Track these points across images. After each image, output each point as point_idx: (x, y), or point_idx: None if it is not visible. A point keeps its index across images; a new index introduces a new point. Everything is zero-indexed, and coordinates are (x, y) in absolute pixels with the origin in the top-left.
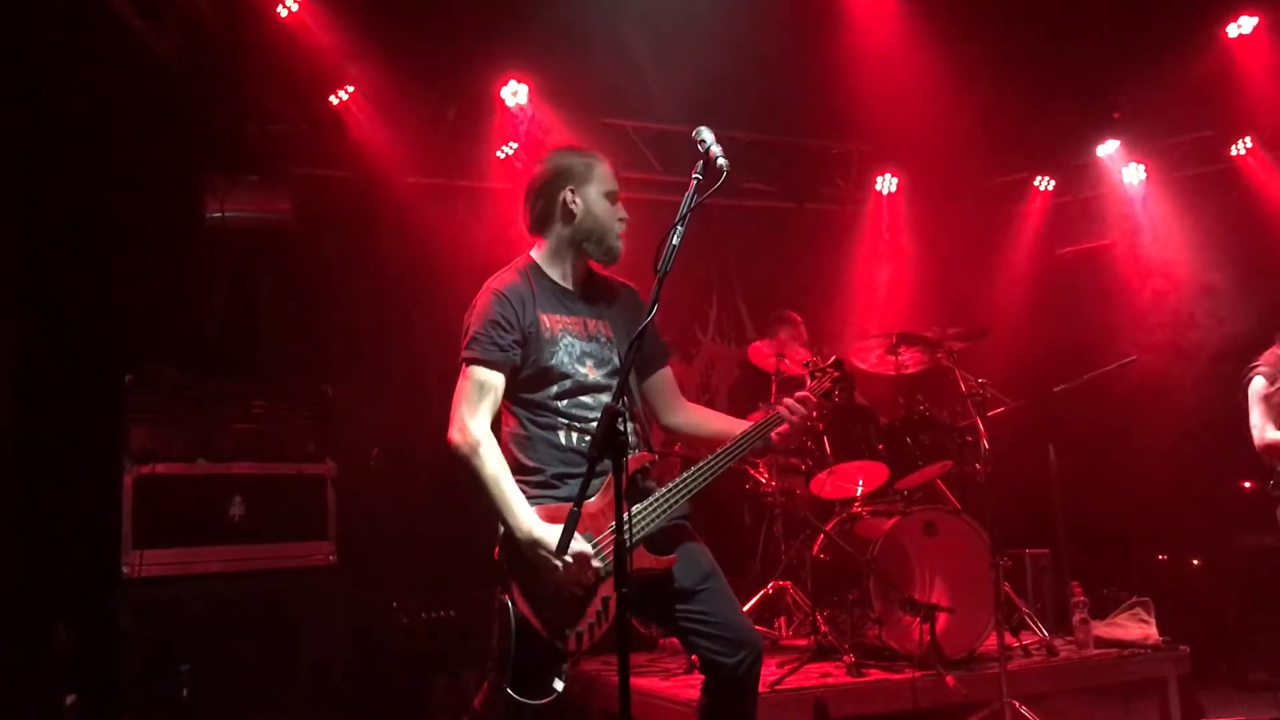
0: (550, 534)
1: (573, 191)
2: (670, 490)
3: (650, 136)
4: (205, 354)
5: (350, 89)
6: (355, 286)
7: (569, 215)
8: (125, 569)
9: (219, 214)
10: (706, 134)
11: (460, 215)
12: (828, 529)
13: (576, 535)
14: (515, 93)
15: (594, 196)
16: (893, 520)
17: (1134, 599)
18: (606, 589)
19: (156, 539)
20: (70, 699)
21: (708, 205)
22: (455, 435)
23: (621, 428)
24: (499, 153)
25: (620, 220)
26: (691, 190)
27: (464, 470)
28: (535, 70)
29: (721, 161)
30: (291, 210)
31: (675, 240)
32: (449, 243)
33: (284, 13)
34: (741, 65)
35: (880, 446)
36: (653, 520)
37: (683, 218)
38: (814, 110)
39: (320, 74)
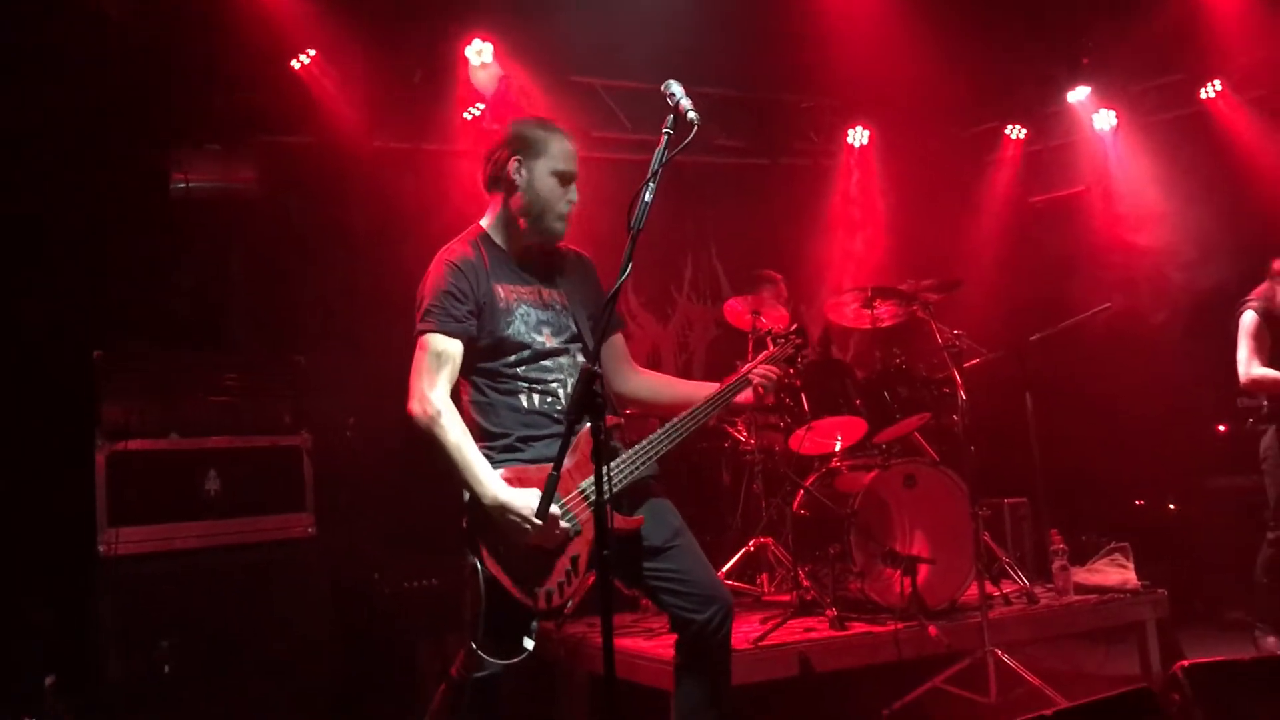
0: (516, 497)
1: (519, 162)
2: (636, 452)
3: (620, 94)
4: (175, 328)
5: (312, 53)
6: (325, 254)
7: (511, 186)
8: (101, 548)
9: (183, 185)
10: (676, 87)
11: (428, 178)
12: (807, 485)
13: (540, 496)
14: (480, 52)
15: (541, 172)
16: (872, 474)
17: (1112, 544)
18: (575, 548)
19: (132, 516)
20: (49, 680)
21: (680, 163)
22: (414, 406)
23: (597, 389)
24: (466, 114)
25: (568, 202)
26: (663, 146)
27: (426, 440)
28: (501, 29)
29: (692, 115)
30: (257, 179)
31: (648, 197)
32: (418, 206)
33: None
34: (711, 20)
35: (858, 401)
36: (620, 481)
37: (654, 173)
38: (784, 65)
39: (281, 38)
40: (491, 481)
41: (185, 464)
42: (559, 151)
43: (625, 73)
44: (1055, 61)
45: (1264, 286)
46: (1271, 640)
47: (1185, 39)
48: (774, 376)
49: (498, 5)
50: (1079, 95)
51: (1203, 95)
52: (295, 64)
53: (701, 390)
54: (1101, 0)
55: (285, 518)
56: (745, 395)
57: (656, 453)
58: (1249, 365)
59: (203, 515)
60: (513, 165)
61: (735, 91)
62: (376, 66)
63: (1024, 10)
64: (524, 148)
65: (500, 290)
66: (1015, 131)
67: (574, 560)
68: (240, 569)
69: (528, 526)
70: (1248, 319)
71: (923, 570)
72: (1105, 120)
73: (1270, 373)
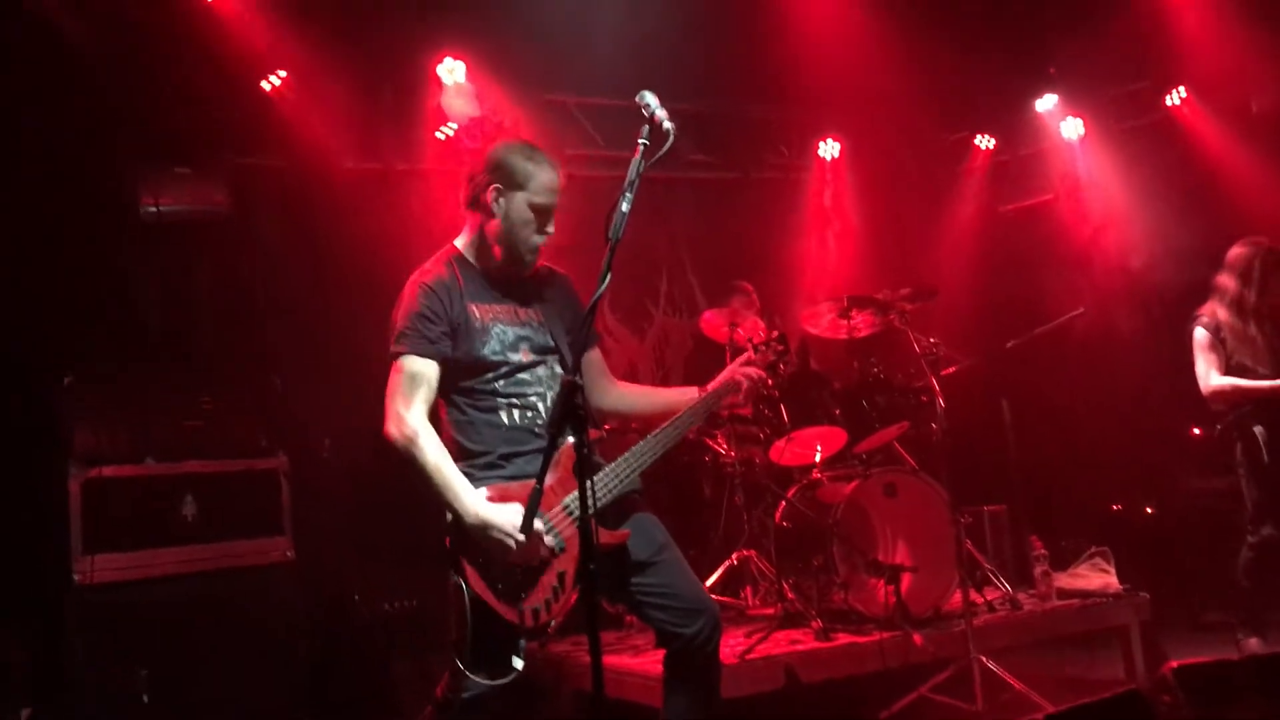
0: (498, 513)
1: (498, 191)
2: (619, 465)
3: (592, 111)
4: (147, 351)
5: (282, 74)
6: (297, 275)
7: (488, 212)
8: (76, 576)
9: (154, 208)
10: (650, 98)
11: (401, 198)
12: (789, 496)
13: (524, 511)
14: (452, 70)
15: (519, 204)
16: (853, 484)
17: (1093, 549)
18: (561, 564)
19: (107, 543)
20: (25, 712)
21: (653, 179)
22: (391, 429)
23: (579, 401)
24: (438, 133)
25: (543, 234)
26: (639, 156)
27: (404, 463)
28: (472, 47)
29: (667, 125)
30: (228, 201)
31: (625, 207)
32: (390, 227)
33: None
34: (680, 36)
35: (837, 411)
36: (604, 496)
37: (631, 183)
38: (753, 79)
39: (251, 59)
40: (472, 499)
41: (161, 489)
42: (539, 185)
43: (597, 89)
44: (1023, 70)
45: (1210, 302)
46: (1254, 642)
47: (1150, 47)
48: (757, 381)
49: (467, 24)
50: (1047, 104)
51: (1168, 102)
52: (266, 85)
53: (682, 396)
54: (1067, 10)
55: (262, 542)
56: (731, 399)
57: (641, 465)
58: (1208, 377)
59: (179, 541)
60: (491, 193)
61: (705, 106)
62: (347, 87)
63: (990, 20)
64: (505, 177)
65: (475, 309)
66: (984, 141)
67: (560, 577)
68: (218, 595)
69: (511, 543)
70: (1199, 335)
71: (906, 579)
72: (1073, 128)
73: (1229, 381)
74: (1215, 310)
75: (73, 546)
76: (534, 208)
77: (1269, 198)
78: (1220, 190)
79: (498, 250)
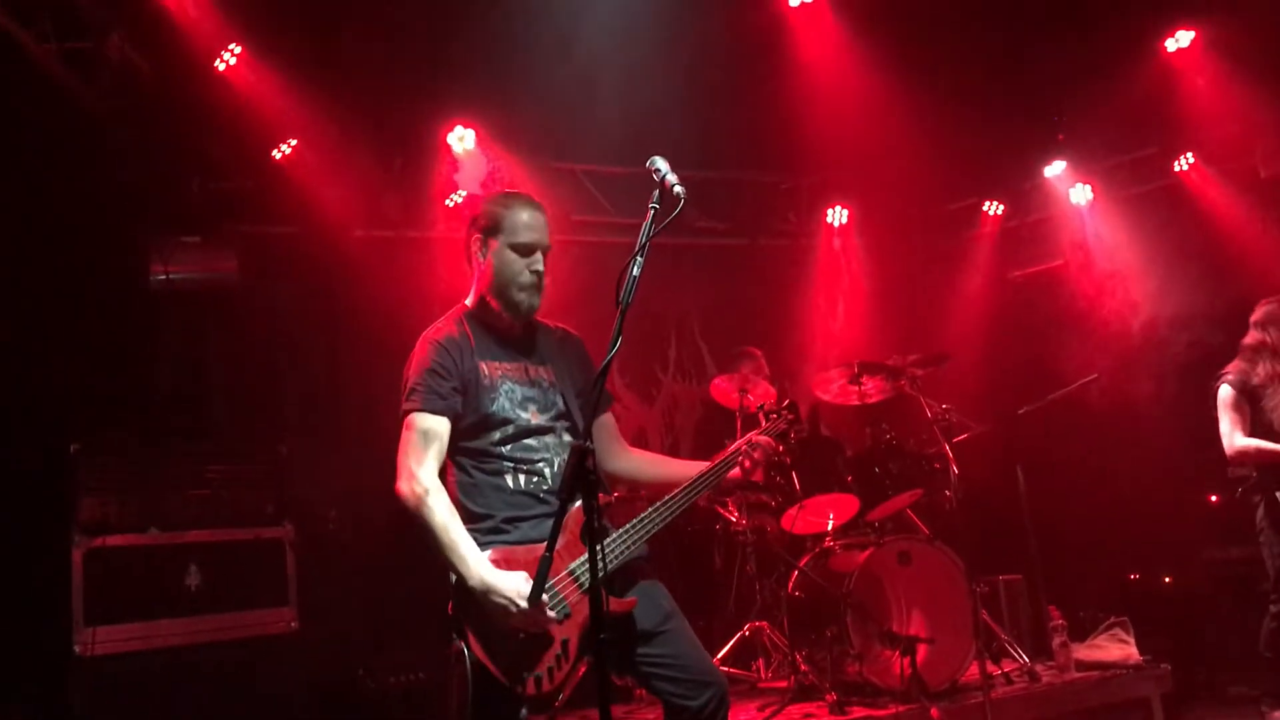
0: (501, 579)
1: (480, 240)
2: (627, 531)
3: (600, 179)
4: (155, 419)
5: (293, 143)
6: (307, 343)
7: (476, 264)
8: (77, 648)
9: (164, 276)
10: (661, 163)
11: (411, 265)
12: (801, 565)
13: (528, 578)
14: (463, 138)
15: (500, 247)
16: (867, 552)
17: (1112, 619)
18: (565, 631)
19: (110, 614)
20: None
21: (662, 245)
22: (402, 485)
23: (590, 466)
24: (448, 201)
25: (532, 272)
26: (649, 220)
27: (413, 520)
28: (481, 115)
29: (678, 189)
30: (238, 269)
31: (635, 271)
32: (401, 294)
33: (222, 66)
34: (688, 104)
35: (849, 478)
36: (611, 562)
37: (642, 247)
38: (762, 146)
39: (262, 128)
40: (477, 563)
41: (165, 559)
42: (515, 224)
43: (605, 157)
44: (1032, 137)
45: (1236, 362)
46: (1279, 715)
47: (1157, 114)
48: (768, 450)
49: (475, 93)
50: (1055, 170)
51: (1176, 168)
52: (276, 154)
53: (692, 468)
54: (1076, 75)
55: (267, 612)
56: (735, 470)
57: (648, 532)
58: (1232, 437)
59: (183, 612)
60: (475, 244)
61: (714, 173)
62: (357, 155)
63: (999, 88)
64: (484, 225)
65: (484, 366)
66: (993, 207)
67: (564, 644)
68: (221, 667)
69: (513, 609)
70: (1224, 393)
71: (922, 650)
72: (1081, 194)
73: (1254, 443)
74: (1243, 368)
75: (74, 617)
76: (515, 248)
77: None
78: (1230, 255)
79: (493, 300)
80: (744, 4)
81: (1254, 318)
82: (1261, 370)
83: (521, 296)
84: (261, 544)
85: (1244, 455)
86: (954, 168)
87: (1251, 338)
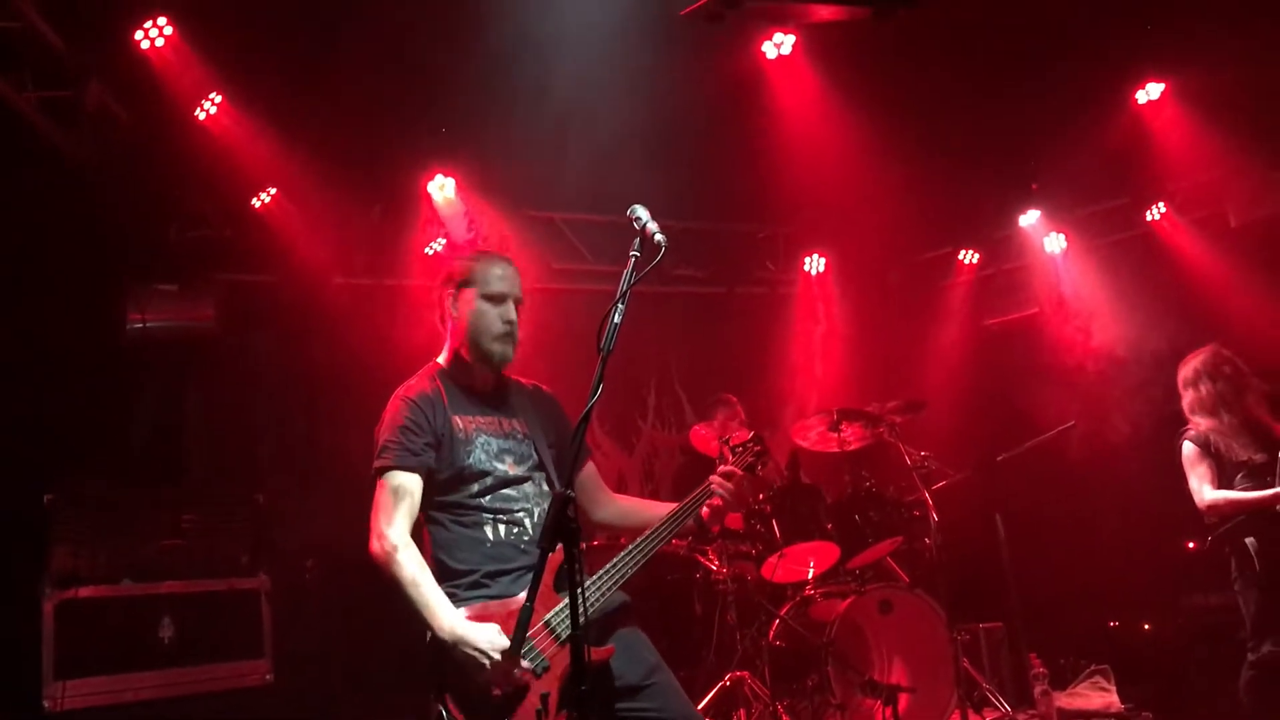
0: (473, 631)
1: (450, 295)
2: (600, 578)
3: (579, 227)
4: (130, 468)
5: (273, 191)
6: (284, 391)
7: (448, 318)
8: (46, 703)
9: (140, 324)
10: (642, 211)
11: (390, 313)
12: (782, 614)
13: (500, 631)
14: (443, 187)
15: (470, 298)
16: (848, 601)
17: (1093, 667)
18: (544, 685)
19: (81, 667)
20: None
21: (641, 294)
22: (374, 544)
23: (571, 514)
24: (428, 249)
25: (505, 322)
26: (630, 267)
27: (385, 579)
28: (461, 164)
29: (659, 237)
30: (215, 317)
31: (617, 318)
32: (379, 342)
33: (202, 115)
34: (666, 153)
35: (829, 526)
36: (588, 609)
37: (623, 294)
38: (739, 195)
39: (241, 177)
40: (449, 615)
41: (138, 610)
42: (486, 275)
43: (583, 206)
44: (1006, 187)
45: (1198, 419)
46: None
47: (1129, 164)
48: (735, 483)
49: (455, 143)
50: (1030, 219)
51: (1148, 217)
52: (256, 202)
53: (666, 510)
54: (1049, 126)
55: (242, 665)
56: (716, 500)
57: (622, 577)
58: (1202, 492)
59: (155, 664)
60: (446, 299)
61: (693, 223)
62: (337, 203)
63: (974, 139)
64: (456, 279)
65: (459, 421)
66: (969, 256)
67: (543, 698)
68: None
69: (485, 662)
70: (1187, 449)
71: (903, 699)
72: (1056, 243)
73: (1224, 495)
74: (1210, 424)
75: (44, 672)
76: (488, 297)
77: (1249, 308)
78: (1202, 302)
79: (467, 353)
80: (721, 54)
81: (1187, 375)
82: (1227, 420)
83: (495, 346)
84: (237, 595)
85: (1215, 509)
86: (930, 217)
87: (1205, 390)
